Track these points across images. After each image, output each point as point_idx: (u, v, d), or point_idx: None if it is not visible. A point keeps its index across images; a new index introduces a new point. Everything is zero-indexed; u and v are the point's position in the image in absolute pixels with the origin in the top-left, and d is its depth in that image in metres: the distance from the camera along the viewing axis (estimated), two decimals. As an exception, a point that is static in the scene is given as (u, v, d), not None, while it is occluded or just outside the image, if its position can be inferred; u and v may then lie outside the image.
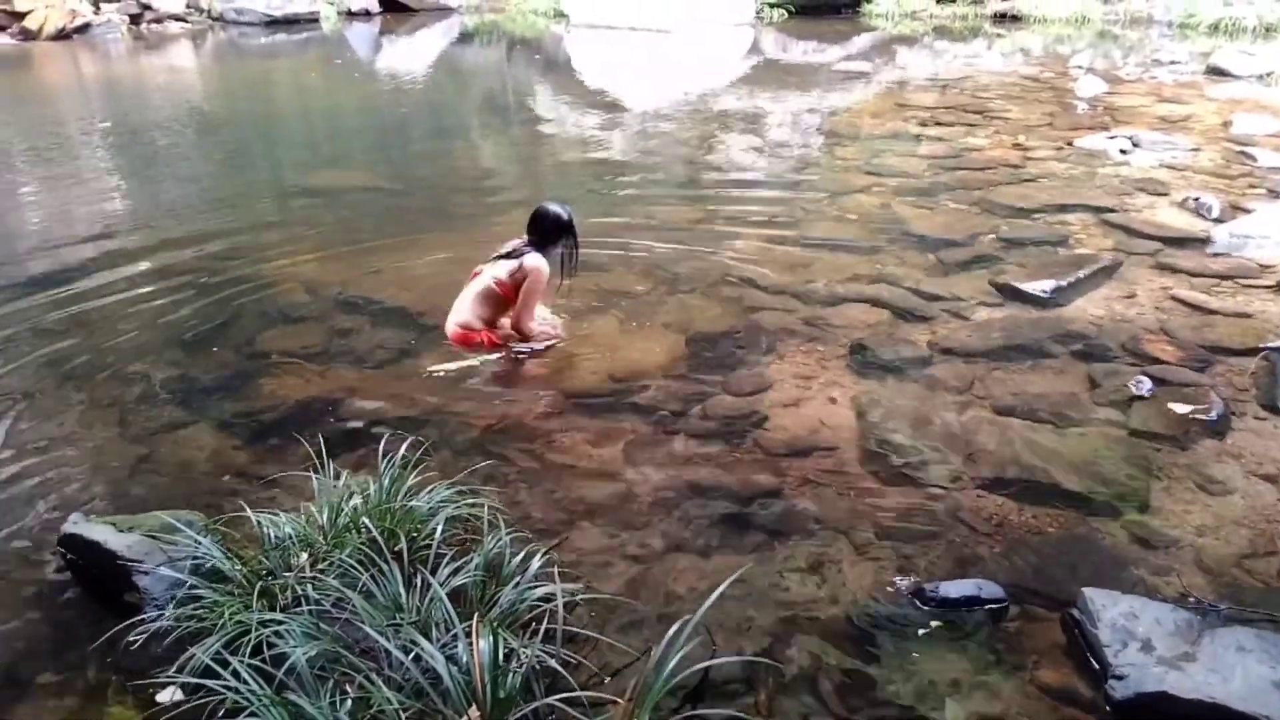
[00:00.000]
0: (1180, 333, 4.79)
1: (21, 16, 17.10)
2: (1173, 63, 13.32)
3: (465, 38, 19.14)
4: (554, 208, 4.60)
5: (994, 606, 2.91)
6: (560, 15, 20.10)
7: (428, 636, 2.39)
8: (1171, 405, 4.08)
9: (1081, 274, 5.45)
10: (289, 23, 19.85)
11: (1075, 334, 4.79)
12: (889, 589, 3.01)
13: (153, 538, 2.92)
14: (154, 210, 7.32)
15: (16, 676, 2.69)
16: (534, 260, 4.51)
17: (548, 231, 4.56)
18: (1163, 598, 2.90)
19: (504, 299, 4.61)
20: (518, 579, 2.70)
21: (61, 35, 17.26)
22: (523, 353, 4.63)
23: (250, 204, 7.40)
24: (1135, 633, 2.65)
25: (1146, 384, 4.25)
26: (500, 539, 2.83)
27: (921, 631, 2.83)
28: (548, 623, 2.57)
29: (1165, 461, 3.72)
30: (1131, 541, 3.25)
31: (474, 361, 4.54)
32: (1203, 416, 4.00)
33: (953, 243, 6.09)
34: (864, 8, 20.01)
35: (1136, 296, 5.25)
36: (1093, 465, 3.68)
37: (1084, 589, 2.83)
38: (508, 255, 4.60)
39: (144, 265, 5.92)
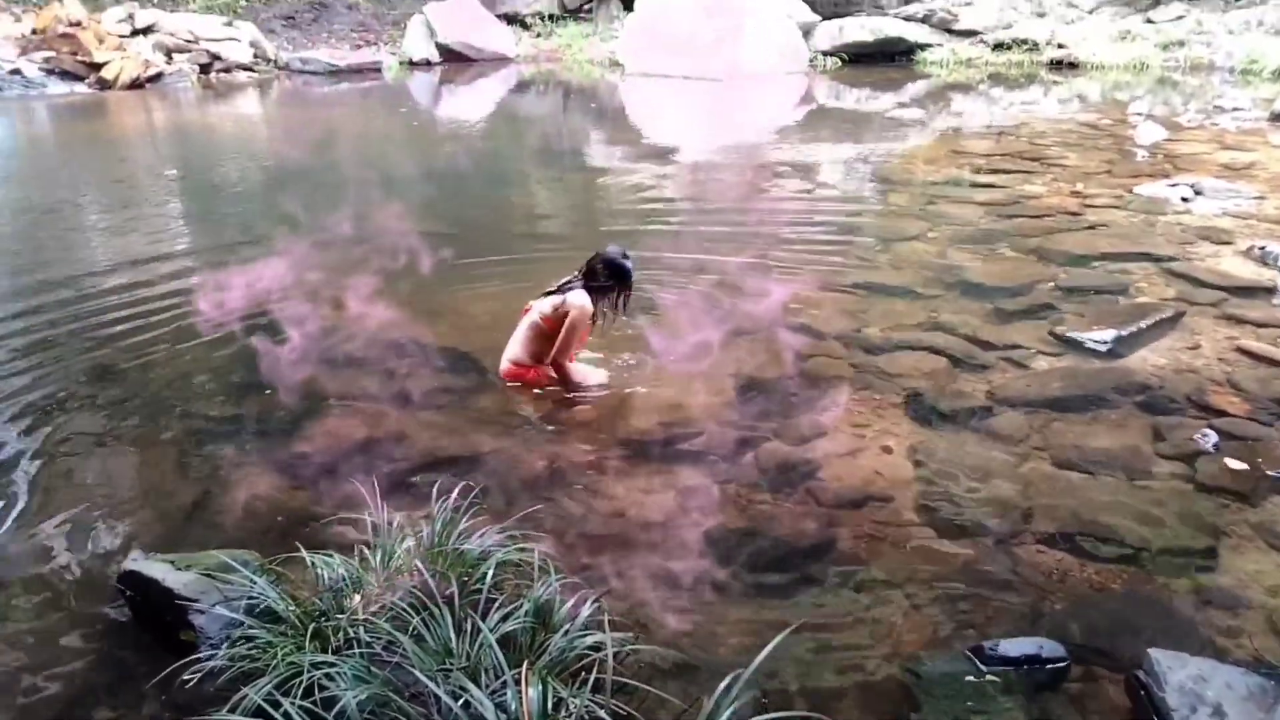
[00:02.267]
0: (1247, 385, 4.66)
1: (99, 67, 17.80)
2: (1235, 109, 13.11)
3: (522, 86, 19.49)
4: (612, 250, 4.63)
5: (1055, 666, 2.82)
6: (615, 64, 20.41)
7: (477, 683, 2.37)
8: (1239, 459, 3.97)
9: (1143, 324, 5.34)
10: (352, 72, 20.39)
11: (1138, 385, 4.69)
12: (946, 646, 2.94)
13: (209, 576, 2.96)
14: (216, 252, 7.51)
15: (74, 712, 2.73)
16: (577, 297, 4.54)
17: (596, 271, 4.59)
18: (1234, 661, 2.80)
19: (550, 334, 4.64)
20: (567, 626, 2.68)
21: (135, 84, 17.91)
22: (574, 397, 4.66)
23: (311, 248, 7.54)
24: (1205, 697, 2.55)
25: (1212, 437, 4.14)
26: (550, 585, 2.82)
27: (979, 690, 2.75)
28: (597, 672, 2.54)
29: (1233, 518, 3.61)
30: (1199, 601, 3.15)
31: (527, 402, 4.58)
32: (1272, 472, 3.87)
33: (1010, 291, 6.01)
34: (918, 55, 20.04)
35: (1201, 347, 5.13)
36: (1157, 521, 3.57)
37: (1150, 650, 2.74)
38: (556, 291, 4.65)
39: (205, 306, 6.05)
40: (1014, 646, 2.86)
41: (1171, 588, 3.21)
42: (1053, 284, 6.15)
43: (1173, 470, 3.95)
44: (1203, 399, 4.53)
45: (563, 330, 4.56)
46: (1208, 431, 4.18)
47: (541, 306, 4.65)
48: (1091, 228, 7.47)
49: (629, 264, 4.62)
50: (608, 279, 4.58)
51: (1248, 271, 6.29)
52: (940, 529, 3.56)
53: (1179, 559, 3.36)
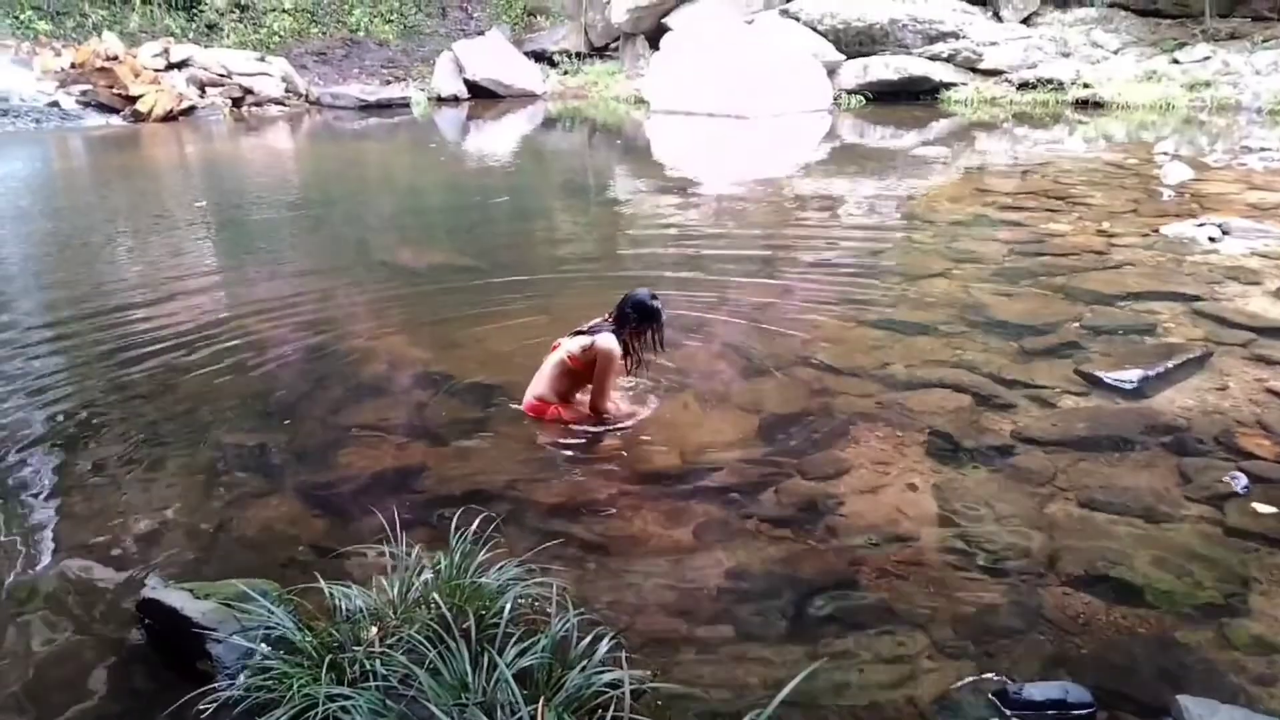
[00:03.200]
0: (1278, 427, 4.59)
1: (134, 100, 18.18)
2: (1263, 149, 13.03)
3: (549, 123, 19.70)
4: (640, 293, 4.65)
5: (1081, 712, 2.76)
6: (641, 102, 20.59)
7: (492, 719, 2.35)
8: (1269, 503, 3.90)
9: (1170, 364, 5.28)
10: (381, 107, 20.69)
11: (1165, 426, 4.63)
12: (969, 689, 2.89)
13: (227, 605, 2.96)
14: (243, 282, 7.60)
15: (90, 740, 2.73)
16: (606, 340, 4.54)
17: (626, 313, 4.60)
18: (1266, 710, 2.73)
19: (576, 374, 4.66)
20: (584, 663, 2.65)
21: (169, 117, 18.27)
22: (595, 431, 4.65)
23: (338, 279, 7.63)
24: (1236, 747, 2.49)
25: (1241, 480, 4.08)
26: (568, 620, 2.80)
27: (1004, 735, 2.70)
28: (614, 710, 2.51)
29: (1264, 563, 3.53)
30: (1229, 647, 3.08)
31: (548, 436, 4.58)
32: (1305, 516, 3.80)
33: (1035, 329, 5.97)
34: (942, 94, 20.09)
35: (1229, 388, 5.06)
36: (1185, 564, 3.51)
37: (1178, 696, 2.69)
38: (585, 332, 4.66)
39: (232, 335, 6.12)
40: (1039, 690, 2.80)
41: (1201, 633, 3.15)
42: (1078, 323, 6.10)
43: (1201, 513, 3.88)
44: (1231, 441, 4.46)
45: (595, 376, 4.58)
46: (1237, 474, 4.12)
47: (569, 346, 4.65)
48: (1118, 267, 7.42)
49: (657, 304, 4.63)
50: (638, 321, 4.59)
51: (1277, 312, 6.21)
52: (964, 569, 3.52)
53: (1208, 603, 3.29)
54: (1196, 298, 6.53)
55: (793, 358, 5.54)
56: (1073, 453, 4.40)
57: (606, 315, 4.68)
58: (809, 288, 7.05)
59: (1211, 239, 8.08)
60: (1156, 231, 8.45)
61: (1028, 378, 5.21)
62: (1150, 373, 5.17)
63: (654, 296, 4.65)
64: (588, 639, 2.75)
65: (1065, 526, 3.79)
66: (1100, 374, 5.20)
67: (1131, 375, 5.14)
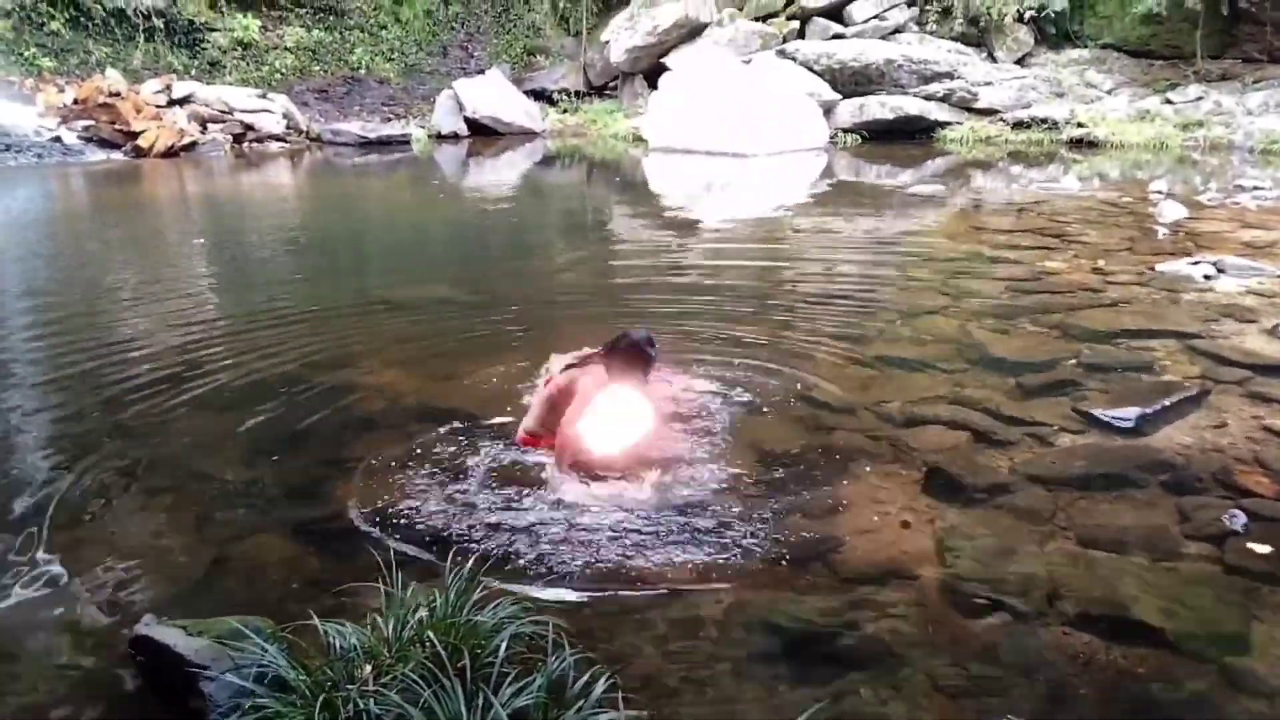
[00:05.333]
0: (1276, 465, 4.58)
1: (135, 136, 18.30)
2: (1256, 188, 13.13)
3: (548, 160, 19.82)
4: (635, 334, 4.66)
5: (1083, 753, 2.74)
6: (639, 140, 20.74)
7: (487, 759, 2.33)
8: (1267, 542, 3.88)
9: (1168, 402, 5.29)
10: (381, 144, 20.83)
11: (1163, 464, 4.63)
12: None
13: (221, 643, 2.93)
14: (240, 316, 7.60)
15: (78, 781, 2.69)
16: (567, 373, 4.62)
17: (615, 346, 4.62)
18: (1268, 752, 2.71)
19: (557, 405, 4.66)
20: (581, 703, 2.63)
21: (170, 153, 18.38)
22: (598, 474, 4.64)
23: (336, 314, 7.63)
24: (1240, 790, 2.46)
25: (1240, 518, 4.06)
26: (564, 659, 2.78)
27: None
28: (610, 750, 2.49)
29: (1265, 602, 3.52)
30: (1230, 688, 3.05)
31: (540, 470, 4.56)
32: (1304, 555, 3.79)
33: (1032, 366, 5.98)
34: (938, 133, 20.28)
35: (1227, 426, 5.06)
36: (1185, 603, 3.49)
37: (1181, 738, 2.66)
38: (577, 365, 4.70)
39: (227, 370, 6.10)
40: (1039, 732, 2.78)
41: (1201, 673, 3.12)
42: (1075, 360, 6.11)
43: (1200, 551, 3.87)
44: (1229, 479, 4.45)
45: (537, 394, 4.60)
46: (1236, 512, 4.11)
47: (559, 379, 4.69)
48: (1114, 304, 7.45)
49: (651, 351, 4.62)
50: (628, 359, 4.58)
51: (1273, 349, 6.23)
52: (962, 608, 3.49)
53: (1209, 643, 3.27)
54: (1193, 335, 6.55)
55: (790, 394, 5.54)
56: (1071, 491, 4.39)
57: (600, 350, 4.70)
58: (806, 324, 7.07)
59: (1206, 277, 8.13)
60: (1152, 269, 8.50)
61: (1025, 415, 5.20)
62: (1148, 410, 5.17)
63: (650, 341, 4.64)
64: (584, 678, 2.72)
65: (1064, 565, 3.77)
66: (1098, 412, 5.20)
67: (1129, 413, 5.14)
